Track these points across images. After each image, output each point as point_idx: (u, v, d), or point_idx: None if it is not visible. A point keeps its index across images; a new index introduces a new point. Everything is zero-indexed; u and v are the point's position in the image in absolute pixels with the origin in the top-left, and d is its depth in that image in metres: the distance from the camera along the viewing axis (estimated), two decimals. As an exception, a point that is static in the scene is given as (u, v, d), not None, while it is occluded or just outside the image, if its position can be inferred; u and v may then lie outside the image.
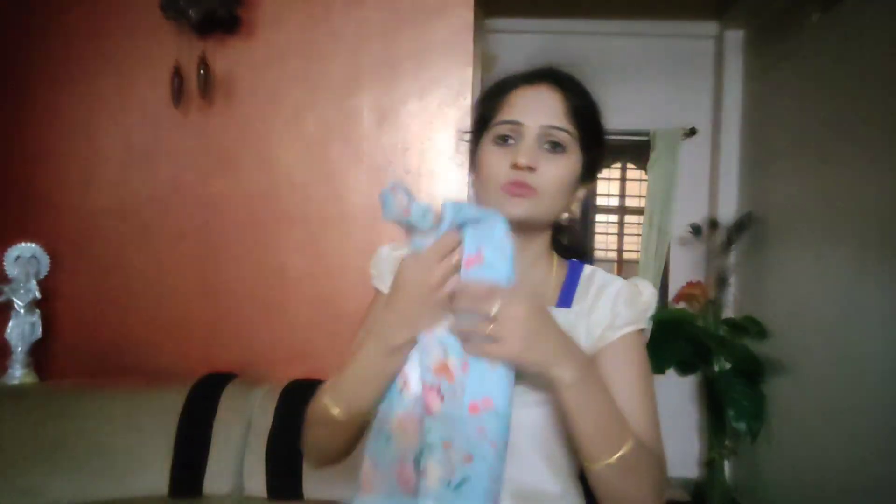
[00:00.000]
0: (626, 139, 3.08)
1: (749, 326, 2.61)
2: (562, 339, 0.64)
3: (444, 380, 0.62)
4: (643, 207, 3.05)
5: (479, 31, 1.90)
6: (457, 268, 0.63)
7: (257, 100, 1.71)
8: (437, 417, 0.62)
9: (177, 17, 1.55)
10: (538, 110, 0.72)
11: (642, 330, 0.76)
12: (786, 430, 2.37)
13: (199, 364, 1.69)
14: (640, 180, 3.18)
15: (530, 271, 0.77)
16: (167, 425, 1.45)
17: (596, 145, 0.77)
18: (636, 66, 3.04)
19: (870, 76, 1.92)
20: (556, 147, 0.72)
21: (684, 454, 2.98)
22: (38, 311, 1.66)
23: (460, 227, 0.64)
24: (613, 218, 3.24)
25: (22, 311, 1.62)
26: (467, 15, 1.68)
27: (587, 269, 0.81)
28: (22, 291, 1.63)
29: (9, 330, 1.62)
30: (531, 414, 0.69)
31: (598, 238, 3.24)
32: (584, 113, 0.75)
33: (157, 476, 1.41)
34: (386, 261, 0.81)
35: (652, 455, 0.68)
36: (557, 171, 0.71)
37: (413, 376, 0.66)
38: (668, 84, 3.04)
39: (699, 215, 2.99)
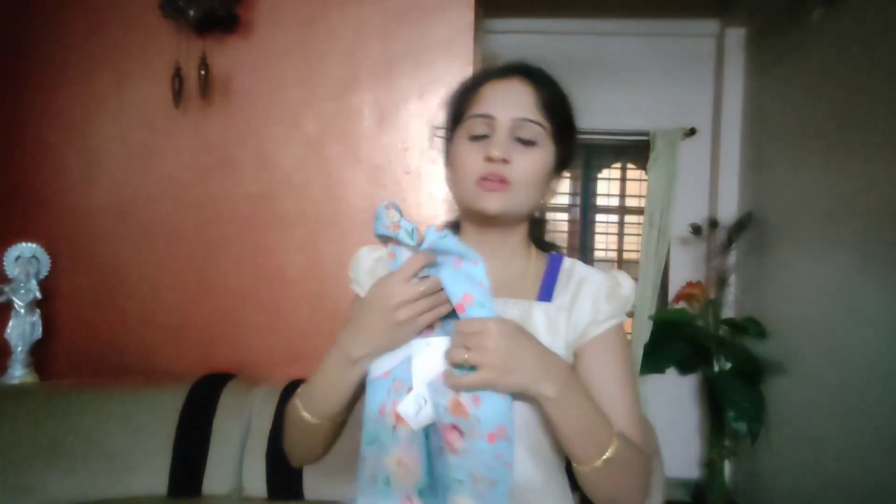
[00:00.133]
0: (626, 139, 3.08)
1: (749, 326, 2.60)
2: (540, 355, 0.65)
3: (460, 417, 0.62)
4: (643, 207, 3.04)
5: (479, 31, 1.90)
6: (424, 294, 0.64)
7: (256, 99, 1.71)
8: (461, 454, 0.63)
9: (176, 16, 1.55)
10: (510, 104, 0.73)
11: (622, 322, 0.77)
12: (785, 431, 2.37)
13: (199, 364, 1.69)
14: (640, 180, 3.17)
15: (509, 265, 0.78)
16: (166, 425, 1.45)
17: (568, 137, 0.77)
18: (636, 66, 3.04)
19: (872, 74, 1.92)
20: (529, 139, 0.72)
21: (684, 454, 2.98)
22: (38, 311, 1.66)
23: (437, 254, 0.66)
24: (613, 218, 3.24)
25: (22, 311, 1.63)
26: (467, 15, 1.68)
27: (567, 261, 0.81)
28: (22, 291, 1.63)
29: (9, 330, 1.62)
30: (515, 407, 0.69)
31: (598, 238, 3.23)
32: (555, 105, 0.76)
33: (156, 476, 1.42)
34: (364, 262, 0.81)
35: (636, 449, 0.69)
36: (531, 162, 0.72)
37: (407, 411, 0.65)
38: (668, 84, 3.03)
39: (699, 215, 2.99)
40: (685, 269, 3.03)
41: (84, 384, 1.58)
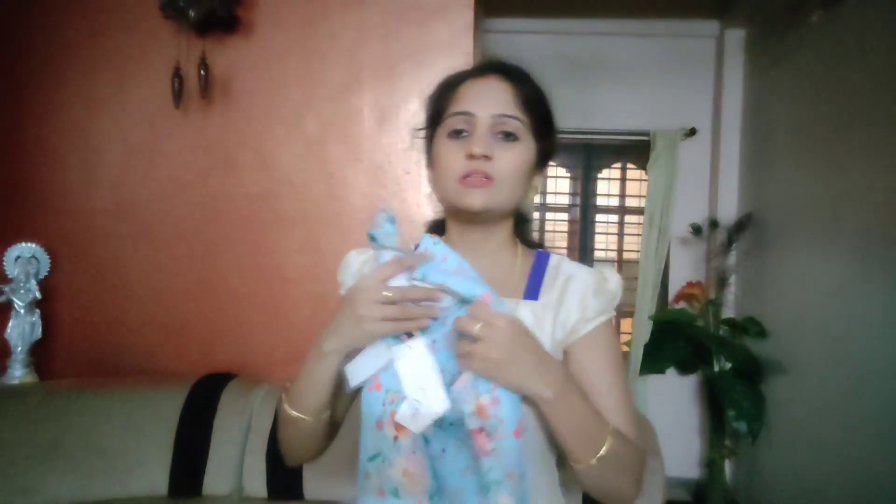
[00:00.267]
0: (626, 139, 3.08)
1: (749, 326, 2.60)
2: (540, 358, 0.66)
3: (485, 420, 0.64)
4: (643, 207, 3.05)
5: (479, 32, 1.90)
6: (390, 299, 0.65)
7: (257, 99, 1.71)
8: (493, 455, 0.64)
9: (176, 16, 1.55)
10: (488, 100, 0.73)
11: (611, 318, 0.78)
12: (786, 431, 2.37)
13: (199, 364, 1.69)
14: (640, 180, 3.18)
15: (495, 263, 0.78)
16: (167, 425, 1.45)
17: (547, 132, 0.78)
18: (637, 67, 3.04)
19: (871, 75, 1.92)
20: (509, 135, 0.73)
21: (684, 454, 2.98)
22: (38, 311, 1.66)
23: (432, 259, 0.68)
24: (613, 218, 3.24)
25: (22, 311, 1.62)
26: (467, 15, 1.68)
27: (553, 258, 0.81)
28: (22, 291, 1.63)
29: (9, 330, 1.62)
30: None
31: (598, 238, 3.23)
32: (534, 101, 0.76)
33: (156, 476, 1.41)
34: (353, 265, 0.82)
35: (630, 444, 0.71)
36: (512, 158, 0.72)
37: (404, 416, 0.65)
38: (669, 84, 3.03)
39: (699, 215, 2.99)
40: (685, 269, 3.04)
41: (84, 384, 1.57)
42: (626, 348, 3.03)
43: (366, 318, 0.65)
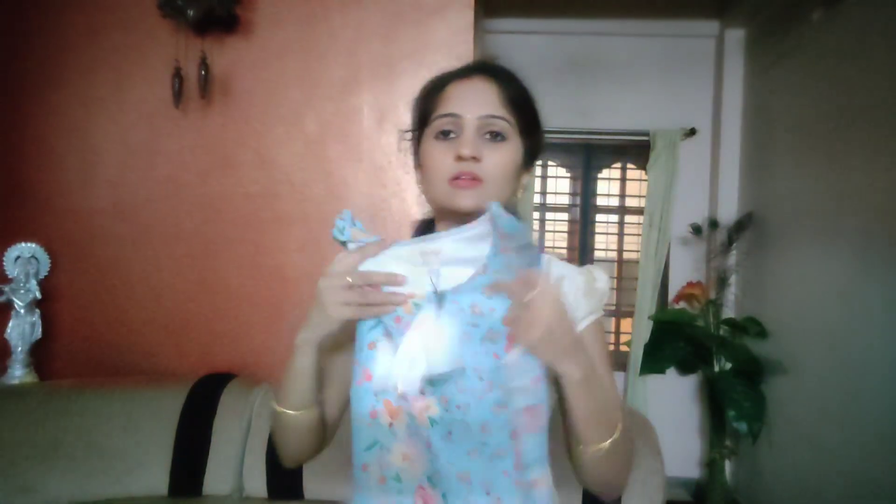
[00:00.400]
0: (626, 139, 3.08)
1: (749, 326, 2.60)
2: (575, 339, 0.67)
3: (533, 398, 0.67)
4: (643, 207, 3.04)
5: (479, 31, 1.90)
6: (351, 284, 0.68)
7: (256, 99, 1.71)
8: (539, 432, 0.68)
9: (175, 15, 1.55)
10: (475, 101, 0.74)
11: (599, 317, 0.79)
12: (786, 431, 2.36)
13: (199, 364, 1.69)
14: (640, 180, 3.18)
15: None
16: (167, 425, 1.45)
17: (534, 131, 0.78)
18: (636, 66, 3.04)
19: (871, 74, 1.92)
20: (497, 135, 0.73)
21: (685, 454, 2.98)
22: (38, 311, 1.65)
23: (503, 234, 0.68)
24: (613, 218, 3.24)
25: (22, 311, 1.62)
26: (467, 15, 1.68)
27: (543, 259, 0.80)
28: (22, 291, 1.63)
29: (9, 330, 1.62)
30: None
31: (598, 238, 3.23)
32: (520, 101, 0.76)
33: (156, 476, 1.41)
34: None
35: (628, 433, 0.73)
36: (501, 158, 0.73)
37: (401, 405, 0.66)
38: (668, 84, 3.03)
39: (699, 215, 2.99)
40: (685, 269, 3.04)
41: (84, 384, 1.57)
42: (626, 348, 3.03)
43: (329, 303, 0.68)
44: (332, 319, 0.69)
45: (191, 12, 1.52)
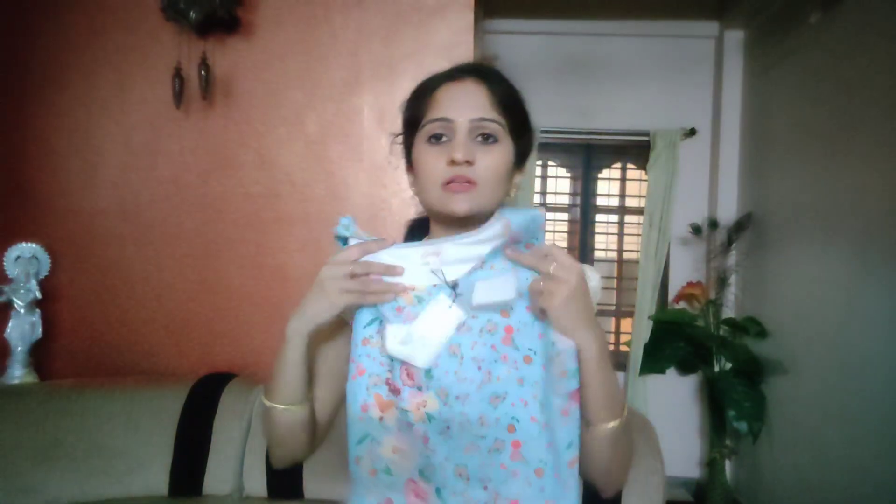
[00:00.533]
0: (626, 139, 3.08)
1: (749, 326, 2.61)
2: (592, 313, 0.71)
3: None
4: (643, 207, 3.05)
5: (479, 32, 1.90)
6: (352, 271, 0.71)
7: (257, 100, 1.71)
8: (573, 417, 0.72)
9: (177, 18, 1.55)
10: (466, 105, 0.74)
11: None
12: (786, 431, 2.37)
13: (199, 364, 1.69)
14: (640, 180, 3.18)
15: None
16: (167, 425, 1.45)
17: (525, 132, 0.80)
18: (636, 66, 3.04)
19: (869, 77, 1.92)
20: (489, 138, 0.74)
21: (685, 454, 2.98)
22: (38, 311, 1.65)
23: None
24: (613, 218, 3.24)
25: (22, 311, 1.62)
26: (467, 16, 1.68)
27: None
28: (22, 291, 1.63)
29: (9, 330, 1.62)
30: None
31: (598, 238, 3.24)
32: (510, 102, 0.77)
33: (156, 476, 1.41)
34: None
35: (631, 428, 0.77)
36: (493, 161, 0.74)
37: (393, 339, 0.68)
38: (668, 84, 3.04)
39: (699, 215, 3.00)
40: (685, 269, 3.04)
41: (84, 384, 1.57)
42: (626, 348, 3.03)
43: (331, 290, 0.70)
44: (328, 308, 0.71)
45: (193, 14, 1.52)
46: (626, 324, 3.16)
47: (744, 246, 2.78)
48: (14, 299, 1.62)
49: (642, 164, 3.08)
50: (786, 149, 2.49)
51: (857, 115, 1.98)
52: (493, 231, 0.73)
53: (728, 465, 2.78)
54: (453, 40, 1.68)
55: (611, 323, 3.23)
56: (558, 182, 3.27)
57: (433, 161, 0.74)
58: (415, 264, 0.73)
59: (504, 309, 0.70)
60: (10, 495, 1.36)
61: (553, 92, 3.00)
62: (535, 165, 3.09)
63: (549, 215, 3.27)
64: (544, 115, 2.96)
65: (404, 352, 0.67)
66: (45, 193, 1.72)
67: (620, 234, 3.22)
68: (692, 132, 3.00)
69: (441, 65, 0.83)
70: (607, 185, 3.27)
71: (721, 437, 2.70)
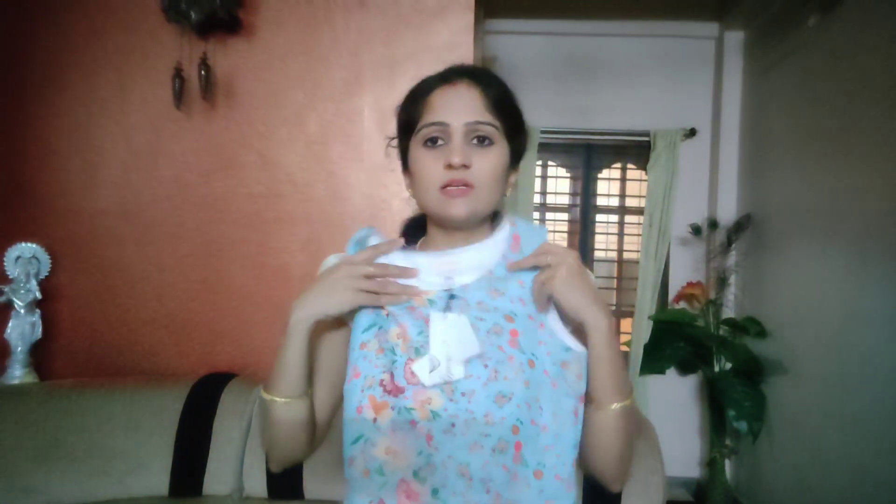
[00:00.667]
0: (626, 139, 3.08)
1: (749, 326, 2.61)
2: (596, 293, 0.72)
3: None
4: (643, 207, 3.05)
5: (479, 33, 1.90)
6: (370, 273, 0.74)
7: (258, 100, 1.72)
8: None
9: (178, 18, 1.55)
10: (461, 108, 0.75)
11: None
12: (786, 430, 2.37)
13: (200, 364, 1.69)
14: (640, 180, 3.18)
15: None
16: (167, 425, 1.45)
17: (519, 132, 0.80)
18: (636, 66, 3.04)
19: (866, 79, 1.93)
20: (485, 141, 0.75)
21: (685, 454, 2.98)
22: (38, 311, 1.65)
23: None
24: (613, 218, 3.24)
25: (22, 311, 1.62)
26: (468, 16, 1.69)
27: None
28: (22, 291, 1.63)
29: (9, 330, 1.62)
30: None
31: (598, 238, 3.24)
32: (504, 104, 0.78)
33: (156, 476, 1.41)
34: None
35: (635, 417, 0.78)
36: (490, 163, 0.75)
37: (421, 369, 0.69)
38: (669, 84, 3.04)
39: (699, 215, 3.00)
40: (685, 269, 3.04)
41: (84, 384, 1.57)
42: (626, 348, 3.03)
43: (346, 289, 0.72)
44: (339, 304, 0.73)
45: (193, 15, 1.52)
46: (626, 324, 3.16)
47: (743, 246, 2.79)
48: (14, 299, 1.62)
49: (642, 164, 3.08)
50: (785, 149, 2.49)
51: (857, 115, 1.98)
52: (502, 235, 0.76)
53: (728, 465, 2.78)
54: (453, 41, 1.68)
55: (611, 323, 3.23)
56: (558, 182, 3.27)
57: (430, 165, 0.74)
58: (429, 270, 0.75)
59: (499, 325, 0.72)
60: (10, 495, 1.36)
61: (553, 92, 3.00)
62: (535, 165, 3.09)
63: (549, 215, 3.27)
64: (544, 115, 2.97)
65: (440, 376, 0.69)
66: (46, 193, 1.72)
67: (620, 234, 3.22)
68: (692, 132, 3.00)
69: (441, 65, 0.83)
70: (607, 185, 3.27)
71: (721, 437, 2.70)
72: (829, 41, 2.18)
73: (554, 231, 3.24)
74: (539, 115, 2.93)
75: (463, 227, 0.77)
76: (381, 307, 0.74)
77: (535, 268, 0.75)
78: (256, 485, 1.44)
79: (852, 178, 1.99)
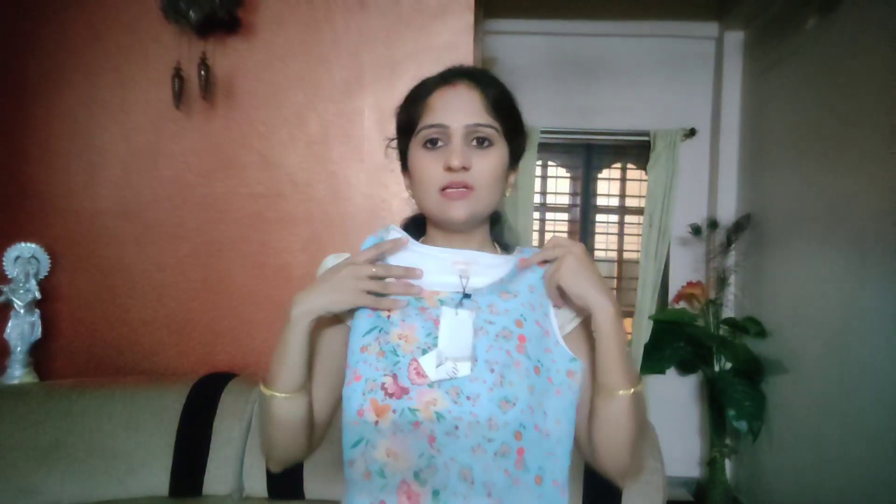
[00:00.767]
0: (626, 139, 3.08)
1: (749, 326, 2.61)
2: (603, 281, 0.73)
3: None
4: (643, 207, 3.05)
5: (479, 33, 1.90)
6: (374, 273, 0.74)
7: (259, 101, 1.72)
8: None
9: (177, 18, 1.55)
10: (460, 110, 0.75)
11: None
12: (786, 430, 2.37)
13: (200, 364, 1.69)
14: (640, 180, 3.18)
15: None
16: (167, 425, 1.45)
17: (518, 133, 0.80)
18: (636, 67, 3.04)
19: (866, 79, 1.93)
20: (484, 142, 0.75)
21: (685, 453, 2.98)
22: (37, 311, 1.65)
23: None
24: (613, 218, 3.24)
25: (22, 311, 1.62)
26: (468, 16, 1.69)
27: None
28: (22, 291, 1.63)
29: (9, 330, 1.62)
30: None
31: (598, 238, 3.24)
32: (503, 105, 0.77)
33: (157, 476, 1.41)
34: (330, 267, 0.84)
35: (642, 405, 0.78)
36: (489, 164, 0.75)
37: (428, 364, 0.69)
38: (668, 84, 3.04)
39: (699, 215, 3.00)
40: (685, 269, 3.04)
41: (84, 384, 1.57)
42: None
43: (350, 288, 0.72)
44: (341, 302, 0.72)
45: (193, 15, 1.52)
46: (626, 324, 3.15)
47: (743, 246, 2.79)
48: (14, 299, 1.62)
49: (642, 164, 3.08)
50: (785, 149, 2.49)
51: (856, 116, 1.98)
52: (513, 263, 0.79)
53: (728, 465, 2.78)
54: (454, 41, 1.68)
55: (611, 323, 3.23)
56: (558, 182, 3.27)
57: (430, 166, 0.74)
58: (443, 266, 0.75)
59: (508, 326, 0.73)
60: (10, 495, 1.36)
61: (553, 92, 3.00)
62: (535, 165, 3.09)
63: (549, 215, 3.27)
64: (544, 115, 2.97)
65: (446, 372, 0.68)
66: (46, 194, 1.72)
67: (620, 234, 3.22)
68: (692, 132, 3.00)
69: (441, 66, 0.83)
70: (607, 185, 3.27)
71: (721, 437, 2.70)
72: (828, 42, 2.18)
73: (554, 231, 3.24)
74: (539, 115, 2.93)
75: (462, 229, 0.77)
76: (383, 310, 0.74)
77: (544, 265, 0.76)
78: (256, 485, 1.44)
79: (852, 178, 1.99)
